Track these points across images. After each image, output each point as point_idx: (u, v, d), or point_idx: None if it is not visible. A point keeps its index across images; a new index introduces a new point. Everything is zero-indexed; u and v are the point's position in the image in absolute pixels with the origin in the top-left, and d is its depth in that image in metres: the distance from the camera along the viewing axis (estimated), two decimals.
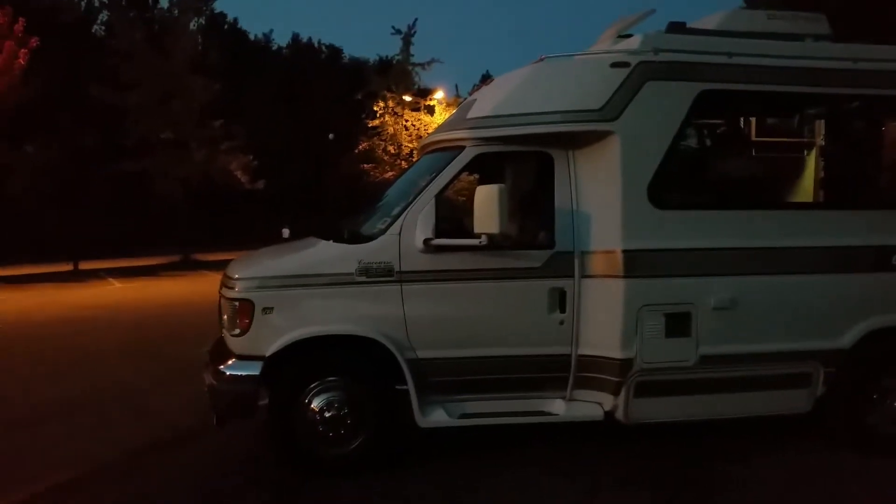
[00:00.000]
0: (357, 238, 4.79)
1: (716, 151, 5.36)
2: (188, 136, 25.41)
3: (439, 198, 4.62)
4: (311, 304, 4.57)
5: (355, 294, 4.56)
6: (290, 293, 4.57)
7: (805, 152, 5.19)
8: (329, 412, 4.58)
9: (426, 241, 4.50)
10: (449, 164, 4.75)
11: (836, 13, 6.00)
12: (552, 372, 4.80)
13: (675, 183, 4.79)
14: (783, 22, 5.02)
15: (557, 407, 4.84)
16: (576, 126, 4.63)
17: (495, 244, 4.48)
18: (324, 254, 4.80)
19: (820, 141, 5.16)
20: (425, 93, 28.42)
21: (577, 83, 4.72)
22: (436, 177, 4.72)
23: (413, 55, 28.97)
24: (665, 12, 5.27)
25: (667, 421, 4.87)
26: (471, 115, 5.02)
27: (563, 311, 4.70)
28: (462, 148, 4.79)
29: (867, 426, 4.98)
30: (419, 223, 4.53)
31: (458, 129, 5.07)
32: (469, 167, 4.83)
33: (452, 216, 5.17)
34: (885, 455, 4.91)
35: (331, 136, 32.63)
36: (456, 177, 4.78)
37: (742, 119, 5.32)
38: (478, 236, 4.42)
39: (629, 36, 4.90)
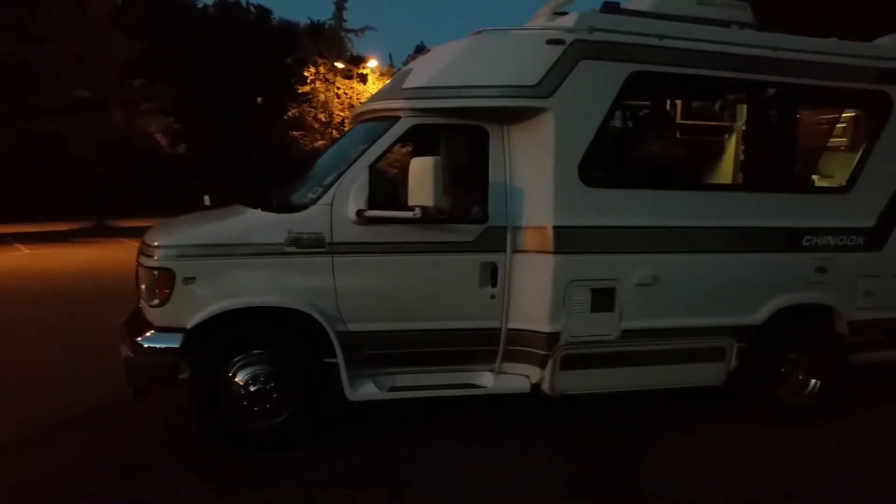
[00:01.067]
0: (287, 207, 4.67)
1: (644, 132, 5.50)
2: (106, 96, 24.08)
3: (373, 168, 4.55)
4: (237, 275, 4.45)
5: (283, 265, 4.46)
6: (213, 262, 4.43)
7: (727, 136, 5.39)
8: (254, 386, 4.49)
9: (359, 213, 4.44)
10: (383, 134, 4.69)
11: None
12: (482, 345, 4.86)
13: (604, 162, 4.89)
14: (711, 8, 5.16)
15: (486, 380, 4.92)
16: (511, 101, 4.63)
17: (429, 217, 4.46)
18: (251, 222, 4.67)
19: (741, 125, 5.37)
20: (358, 60, 27.94)
21: (514, 58, 4.72)
22: (370, 147, 4.65)
23: (346, 20, 28.37)
24: None
25: (590, 392, 5.03)
26: (406, 84, 4.95)
27: (494, 285, 4.75)
28: (397, 118, 4.73)
29: (776, 397, 5.30)
30: (352, 194, 4.46)
31: (393, 98, 5.00)
32: (404, 138, 4.78)
33: (386, 187, 5.12)
34: (791, 424, 5.25)
35: (259, 100, 31.58)
36: (390, 147, 4.73)
37: (669, 101, 5.47)
38: (411, 209, 4.39)
39: (564, 13, 4.93)
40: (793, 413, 5.33)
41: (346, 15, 28.41)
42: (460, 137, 4.88)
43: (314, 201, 4.54)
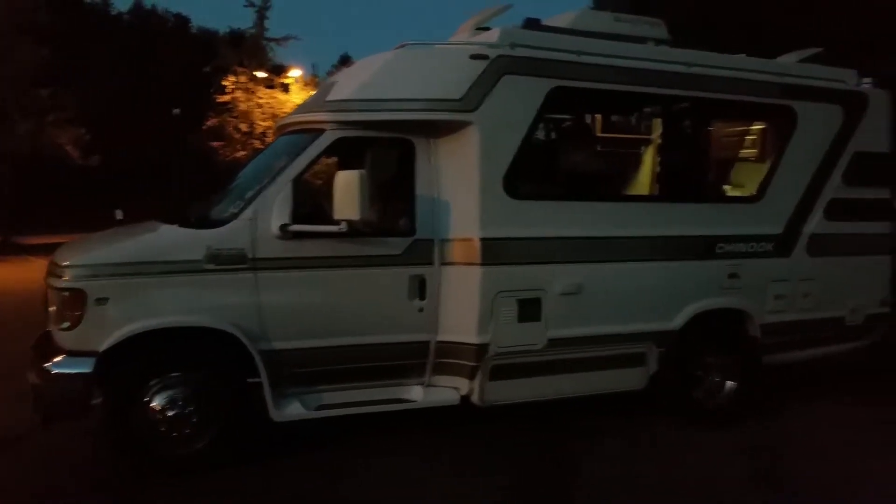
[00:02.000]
0: (205, 223, 4.52)
1: (566, 145, 5.64)
2: (11, 106, 22.78)
3: (297, 181, 4.46)
4: (153, 294, 4.25)
5: (203, 283, 4.30)
6: (127, 282, 4.22)
7: (645, 149, 5.59)
8: (172, 410, 4.29)
9: (282, 227, 4.34)
10: (308, 146, 4.61)
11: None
12: (412, 359, 4.83)
13: (529, 174, 4.96)
14: (628, 25, 5.36)
15: (416, 393, 4.89)
16: (436, 115, 4.65)
17: (355, 231, 4.41)
18: (167, 239, 4.49)
19: (657, 139, 5.59)
20: (280, 70, 27.45)
21: (438, 72, 4.74)
22: (293, 160, 4.56)
23: (268, 30, 27.87)
24: (521, 8, 5.42)
25: (518, 402, 5.07)
26: (331, 97, 4.90)
27: (422, 298, 4.73)
28: (322, 131, 4.66)
29: (694, 400, 5.49)
30: (275, 208, 4.35)
31: (317, 111, 4.94)
32: (329, 151, 4.71)
33: (311, 201, 5.04)
34: (710, 426, 5.43)
35: (176, 111, 30.54)
36: (315, 160, 4.65)
37: (590, 115, 5.64)
38: (337, 222, 4.33)
39: (487, 29, 5.00)
40: (711, 414, 5.52)
41: (267, 24, 27.94)
42: (386, 150, 4.86)
43: (235, 216, 4.41)
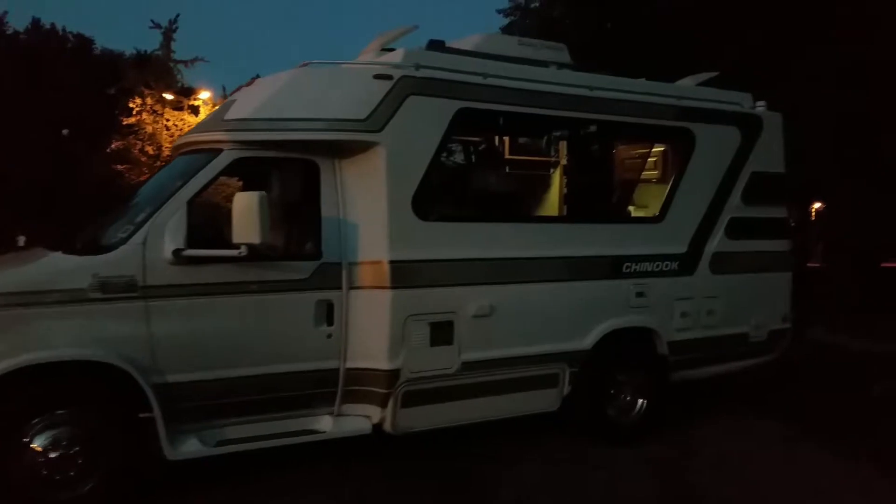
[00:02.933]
0: (92, 248, 4.20)
1: (474, 167, 5.65)
2: None
3: (192, 203, 4.22)
4: (34, 326, 3.90)
5: (89, 313, 3.98)
6: (6, 313, 3.85)
7: (551, 171, 5.65)
8: (56, 451, 3.92)
9: (176, 252, 4.08)
10: (204, 167, 4.37)
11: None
12: (320, 388, 4.63)
13: (437, 196, 4.92)
14: (531, 49, 5.44)
15: (325, 424, 4.68)
16: (341, 135, 4.53)
17: (257, 255, 4.20)
18: (50, 267, 4.13)
19: (563, 161, 5.66)
20: (189, 92, 26.60)
21: (342, 92, 4.63)
22: (189, 181, 4.31)
23: (175, 52, 27.02)
24: (426, 30, 5.41)
25: (433, 428, 4.95)
26: (229, 115, 4.70)
27: (330, 323, 4.55)
28: (219, 150, 4.44)
29: (607, 418, 5.53)
30: (168, 231, 4.09)
31: (214, 130, 4.72)
32: (227, 171, 4.50)
33: (210, 224, 4.79)
34: (623, 444, 5.47)
35: (65, 131, 28.93)
36: (212, 181, 4.42)
37: (497, 137, 5.66)
38: (237, 246, 4.11)
39: (392, 50, 4.94)
40: (623, 432, 5.58)
41: (175, 46, 27.09)
42: (289, 171, 4.69)
43: (124, 241, 4.11)
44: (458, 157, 5.42)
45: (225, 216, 4.58)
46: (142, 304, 4.06)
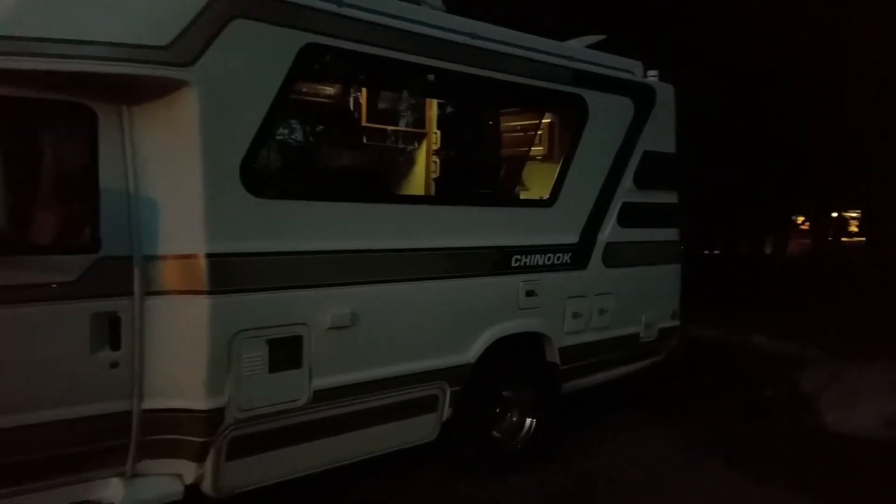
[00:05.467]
0: None
1: (330, 126, 4.35)
2: None
3: None
4: None
5: None
6: None
7: (428, 138, 4.50)
8: None
9: None
10: None
11: None
12: (103, 440, 3.14)
13: (279, 163, 3.64)
14: None
15: (113, 492, 3.20)
16: (129, 68, 3.03)
17: None
18: None
19: (443, 126, 4.53)
20: None
21: (134, 4, 3.16)
22: None
23: None
24: None
25: (272, 483, 3.62)
26: None
27: (115, 347, 3.09)
28: None
29: (492, 442, 4.57)
30: None
31: None
32: None
33: None
34: (511, 470, 4.53)
35: None
36: None
37: (358, 89, 4.38)
38: None
39: None
40: (511, 459, 4.63)
41: None
42: (48, 121, 3.14)
43: None
44: (307, 113, 4.08)
45: None
46: None
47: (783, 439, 5.35)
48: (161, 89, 3.14)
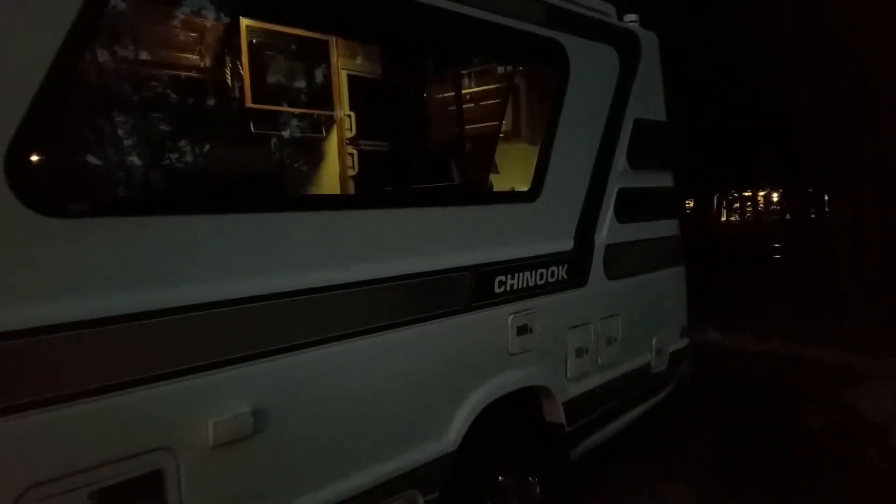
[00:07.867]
0: None
1: (175, 90, 2.63)
2: None
3: None
4: None
5: None
6: None
7: (359, 104, 2.90)
8: None
9: None
10: None
11: None
12: None
13: (83, 154, 1.92)
14: None
15: None
16: None
17: None
18: None
19: (379, 86, 2.95)
20: None
21: None
22: None
23: None
24: None
25: None
26: None
27: None
28: None
29: None
30: None
31: None
32: None
33: None
34: None
35: None
36: None
37: (228, 25, 2.72)
38: None
39: None
40: None
41: None
42: None
43: None
44: (131, 67, 2.31)
45: None
46: None
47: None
48: None
